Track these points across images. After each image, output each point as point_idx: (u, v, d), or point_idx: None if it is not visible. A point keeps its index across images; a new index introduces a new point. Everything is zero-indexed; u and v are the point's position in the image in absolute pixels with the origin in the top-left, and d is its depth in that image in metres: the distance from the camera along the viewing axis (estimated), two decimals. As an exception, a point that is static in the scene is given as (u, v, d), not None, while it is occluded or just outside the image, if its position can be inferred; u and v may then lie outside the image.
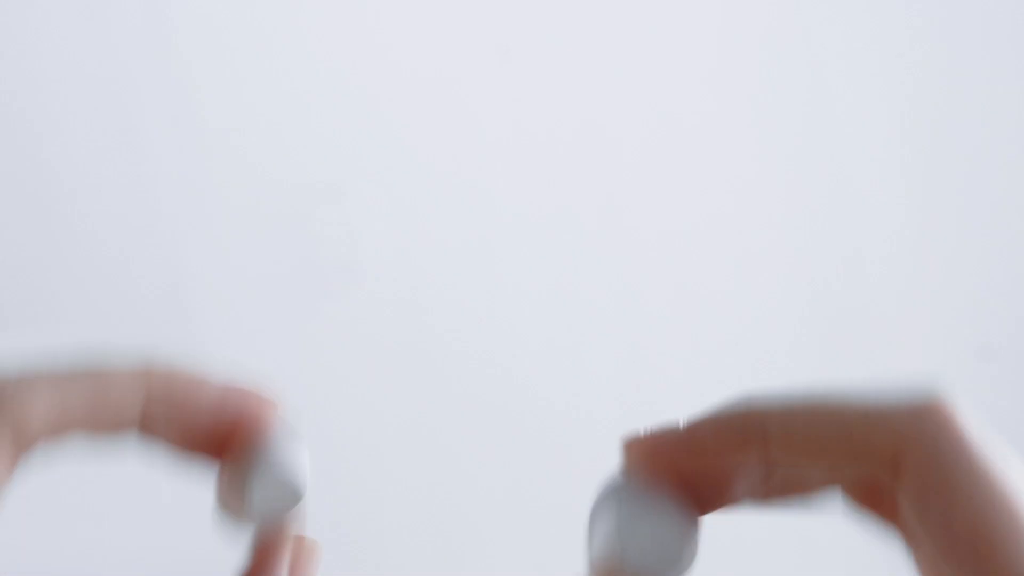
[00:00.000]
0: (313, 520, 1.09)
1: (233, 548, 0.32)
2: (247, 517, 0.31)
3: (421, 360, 1.02)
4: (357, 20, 1.01)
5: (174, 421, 0.29)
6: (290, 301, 1.02)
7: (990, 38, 1.05)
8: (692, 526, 0.29)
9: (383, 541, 1.04)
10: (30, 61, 0.97)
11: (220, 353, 0.99)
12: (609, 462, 1.04)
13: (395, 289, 1.00)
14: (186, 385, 0.29)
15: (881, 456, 0.26)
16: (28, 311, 0.96)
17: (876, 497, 0.29)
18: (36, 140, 0.98)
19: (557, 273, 1.02)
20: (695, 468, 0.29)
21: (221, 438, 0.30)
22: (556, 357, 1.03)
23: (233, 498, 0.31)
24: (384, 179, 1.00)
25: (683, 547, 0.29)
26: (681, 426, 0.29)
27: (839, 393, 0.27)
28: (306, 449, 0.32)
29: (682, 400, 1.05)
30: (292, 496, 0.31)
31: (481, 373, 1.03)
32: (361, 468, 1.03)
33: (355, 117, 1.00)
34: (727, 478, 0.29)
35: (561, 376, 1.03)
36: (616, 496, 0.30)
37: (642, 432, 0.30)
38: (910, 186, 1.04)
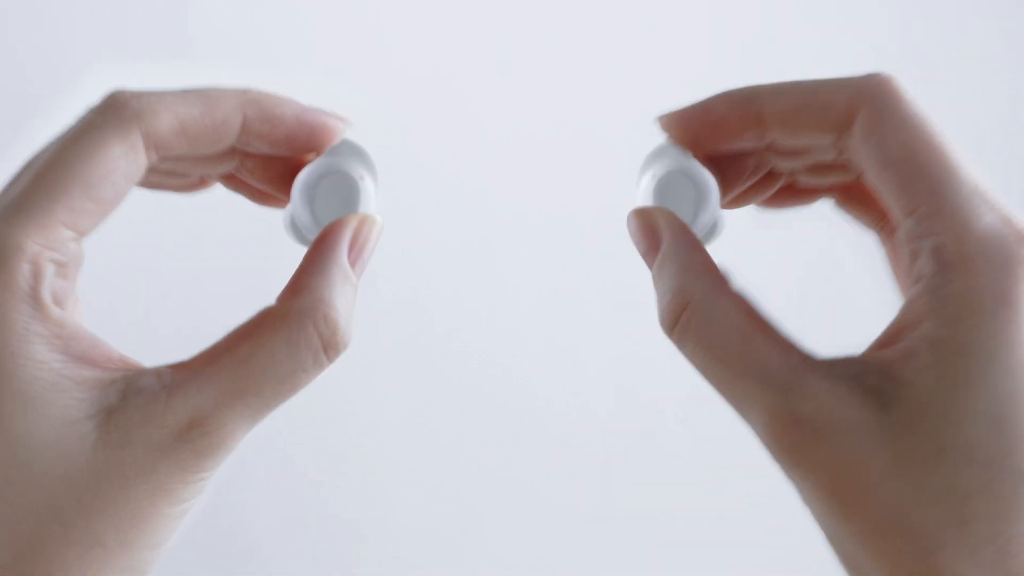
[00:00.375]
0: (316, 515, 1.06)
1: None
2: (313, 222, 0.36)
3: (421, 359, 1.01)
4: (365, 35, 1.01)
5: (265, 127, 0.35)
6: None
7: (972, 40, 1.05)
8: (713, 185, 0.36)
9: (385, 534, 1.04)
10: (52, 72, 0.98)
11: None
12: (606, 458, 1.02)
13: (396, 289, 1.00)
14: (275, 101, 0.35)
15: (842, 114, 0.33)
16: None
17: (858, 200, 0.38)
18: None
19: (556, 274, 1.02)
20: (710, 133, 0.36)
21: (299, 147, 0.36)
22: (555, 357, 1.03)
23: (300, 204, 0.36)
24: (386, 182, 1.00)
25: (705, 196, 0.36)
26: (698, 102, 0.36)
27: (814, 78, 0.34)
28: (367, 161, 0.38)
29: (680, 400, 1.04)
30: (350, 194, 0.36)
31: (481, 373, 1.02)
32: (363, 463, 1.03)
33: (360, 124, 1.01)
34: (738, 157, 0.37)
35: (560, 375, 1.03)
36: (658, 152, 0.37)
37: (672, 108, 0.36)
38: None
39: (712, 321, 0.32)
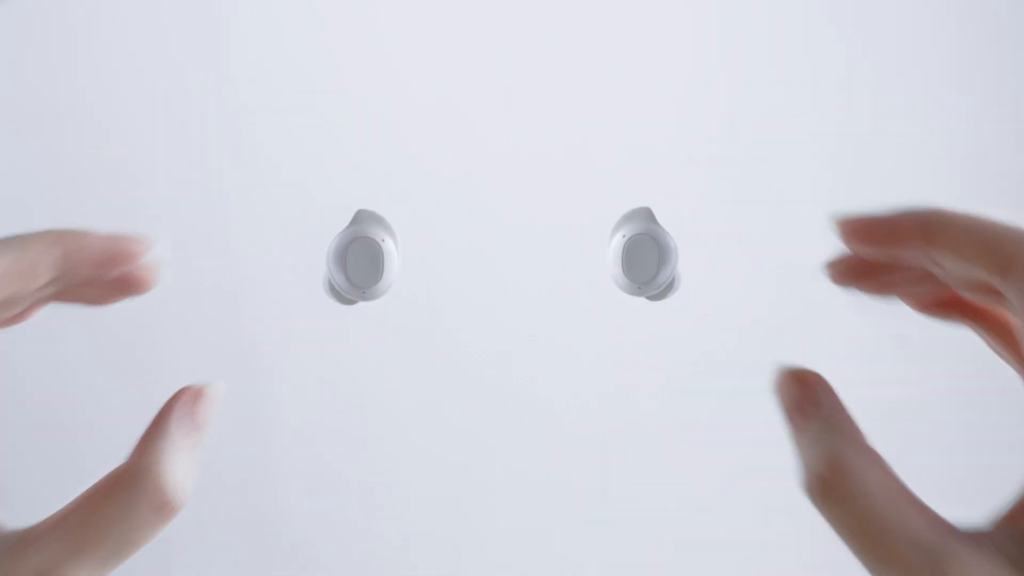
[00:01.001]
0: (326, 503, 1.08)
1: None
2: (347, 283, 0.40)
3: (435, 358, 1.04)
4: (386, 68, 1.05)
5: (77, 257, 0.37)
6: (322, 302, 1.01)
7: (937, 47, 1.07)
8: (674, 247, 0.40)
9: (393, 521, 1.06)
10: (113, 96, 1.03)
11: (263, 346, 1.03)
12: (601, 449, 1.04)
13: (412, 292, 1.04)
14: (81, 234, 0.37)
15: (1001, 257, 0.33)
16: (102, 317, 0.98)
17: (1009, 340, 0.38)
18: (120, 167, 1.03)
19: (557, 278, 1.04)
20: (883, 241, 0.36)
21: (112, 267, 0.38)
22: (557, 356, 1.05)
23: (335, 270, 0.39)
24: (404, 198, 1.04)
25: (667, 256, 0.40)
26: (882, 215, 0.37)
27: (993, 218, 0.35)
28: (386, 226, 0.40)
29: (672, 398, 1.07)
30: (376, 255, 0.40)
31: (488, 371, 1.05)
32: (378, 453, 1.06)
33: (381, 146, 1.05)
34: (900, 266, 0.38)
35: (561, 374, 1.05)
36: (627, 216, 0.41)
37: (849, 214, 0.38)
38: (837, 193, 1.05)
39: (866, 488, 0.32)
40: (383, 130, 1.05)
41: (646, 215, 0.41)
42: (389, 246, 0.41)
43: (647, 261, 0.41)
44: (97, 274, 0.38)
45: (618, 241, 0.41)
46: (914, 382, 1.01)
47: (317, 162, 1.04)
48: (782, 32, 1.07)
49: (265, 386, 1.05)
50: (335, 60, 1.05)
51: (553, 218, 1.05)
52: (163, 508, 0.34)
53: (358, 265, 0.40)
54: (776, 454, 0.98)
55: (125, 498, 0.34)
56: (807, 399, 0.35)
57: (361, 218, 0.41)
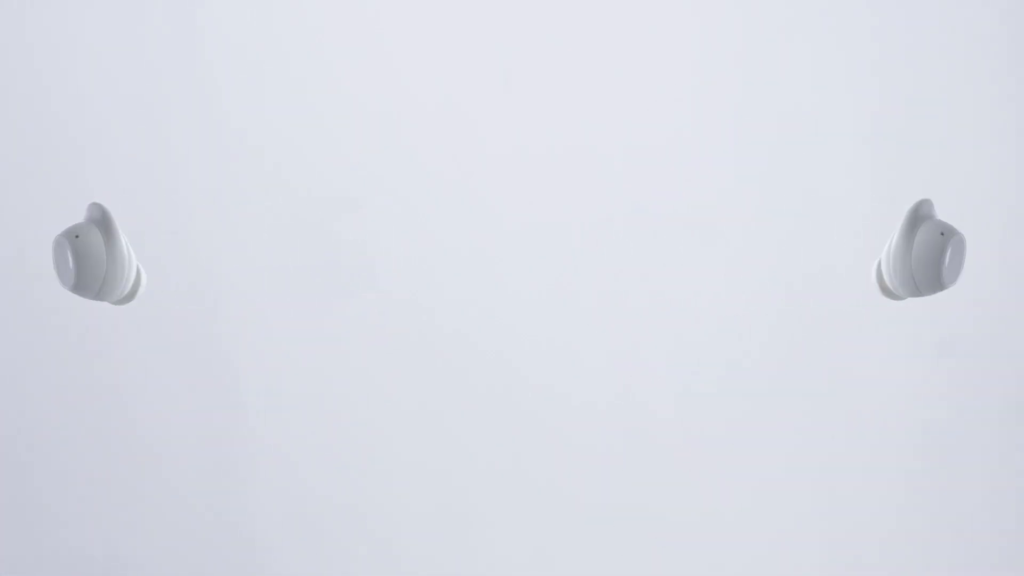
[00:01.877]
0: (328, 501, 1.07)
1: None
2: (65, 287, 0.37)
3: (428, 354, 1.03)
4: (375, 53, 1.03)
5: None
6: (312, 300, 1.01)
7: (949, 51, 1.05)
8: None
9: (394, 517, 1.05)
10: (82, 90, 1.01)
11: (252, 346, 1.02)
12: (599, 445, 1.04)
13: (404, 290, 1.02)
14: None
15: None
16: (65, 306, 0.98)
17: None
18: (82, 158, 1.01)
19: (552, 276, 1.03)
20: None
21: None
22: (552, 352, 1.04)
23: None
24: (396, 192, 1.01)
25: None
26: None
27: None
28: (98, 219, 0.37)
29: (663, 391, 1.05)
30: (62, 255, 0.37)
31: (482, 366, 1.04)
32: (373, 451, 1.05)
33: (371, 138, 1.02)
34: None
35: (556, 369, 1.04)
36: (926, 210, 0.39)
37: None
38: (873, 194, 1.03)
39: None
40: (382, 129, 1.03)
41: (932, 209, 0.39)
42: (81, 244, 0.36)
43: (960, 263, 0.40)
44: None
45: (933, 231, 0.39)
46: (960, 394, 0.94)
47: (316, 162, 1.02)
48: (802, 30, 1.05)
49: (256, 387, 1.04)
50: (334, 60, 1.03)
51: (553, 218, 1.04)
52: None
53: (60, 267, 0.37)
54: (787, 458, 0.96)
55: None
56: None
57: (87, 214, 0.36)
